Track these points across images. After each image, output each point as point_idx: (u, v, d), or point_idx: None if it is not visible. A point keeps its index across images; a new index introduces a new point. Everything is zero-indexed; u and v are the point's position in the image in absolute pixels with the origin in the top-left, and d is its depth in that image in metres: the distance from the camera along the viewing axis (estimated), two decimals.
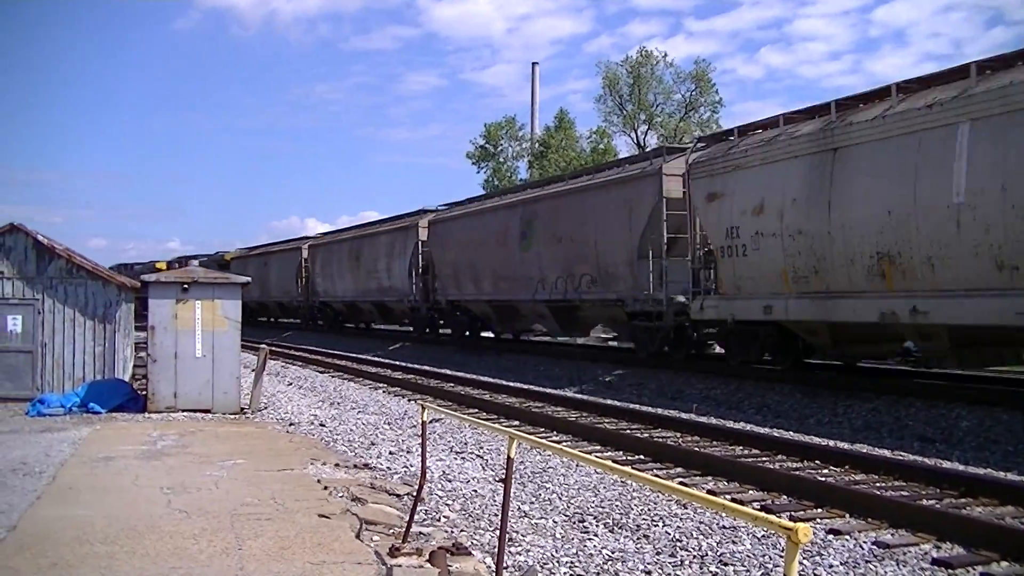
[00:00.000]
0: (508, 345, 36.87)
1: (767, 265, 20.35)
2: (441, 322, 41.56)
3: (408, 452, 15.07)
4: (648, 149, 43.56)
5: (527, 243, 31.67)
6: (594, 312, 29.73)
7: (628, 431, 16.88)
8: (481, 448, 15.42)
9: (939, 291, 16.40)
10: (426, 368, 29.16)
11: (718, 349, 25.64)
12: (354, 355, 36.68)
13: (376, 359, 35.93)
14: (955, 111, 16.03)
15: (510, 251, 32.85)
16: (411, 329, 45.16)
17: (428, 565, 8.28)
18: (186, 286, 19.52)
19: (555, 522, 10.51)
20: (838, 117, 19.00)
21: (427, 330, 42.53)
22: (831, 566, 8.61)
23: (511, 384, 24.53)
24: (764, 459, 14.00)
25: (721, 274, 22.11)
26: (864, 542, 9.34)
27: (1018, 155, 14.90)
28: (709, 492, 11.49)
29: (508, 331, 38.53)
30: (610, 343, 35.76)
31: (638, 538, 9.77)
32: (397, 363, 32.96)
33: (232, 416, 19.21)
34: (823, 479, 12.35)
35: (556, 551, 9.27)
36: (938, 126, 16.32)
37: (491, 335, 39.54)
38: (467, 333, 39.58)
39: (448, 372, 28.69)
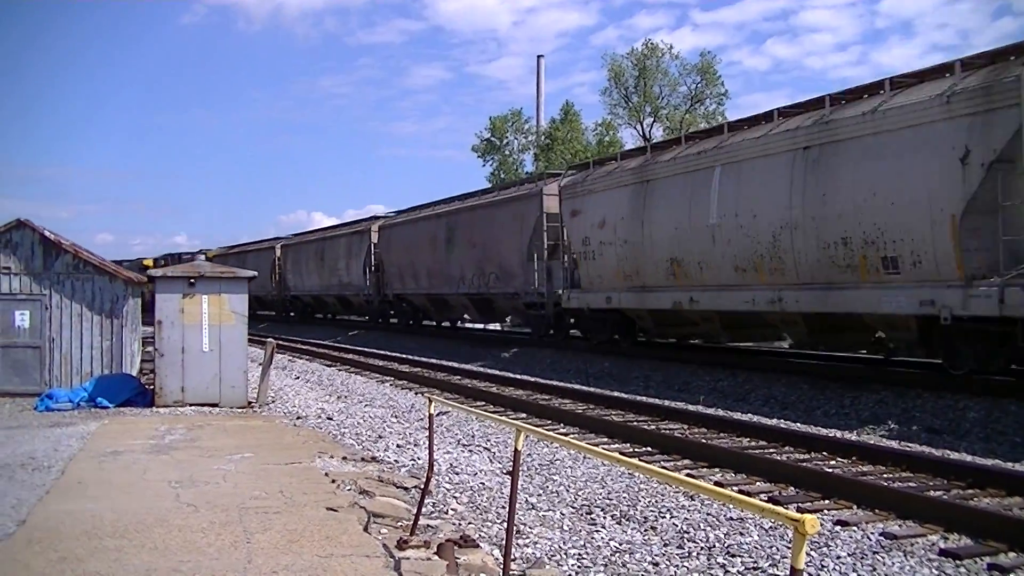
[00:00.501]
0: (443, 330, 45.09)
1: (608, 266, 27.33)
2: (391, 312, 48.75)
3: (415, 445, 15.09)
4: (636, 146, 44.41)
5: (451, 247, 39.08)
6: (502, 303, 36.17)
7: (635, 423, 16.90)
8: (488, 441, 15.44)
9: (706, 286, 23.01)
10: (390, 353, 32.72)
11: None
12: (321, 341, 42.15)
13: (338, 344, 41.91)
14: (712, 158, 22.71)
15: (439, 254, 40.19)
16: (367, 318, 53.27)
17: (436, 557, 8.29)
18: (193, 281, 19.55)
19: (562, 514, 10.52)
20: (652, 156, 26.29)
21: (380, 319, 50.31)
22: (838, 557, 8.61)
23: (518, 376, 24.54)
24: (771, 451, 14.01)
25: (580, 273, 29.13)
26: (871, 533, 9.35)
27: (743, 191, 21.46)
28: (716, 484, 11.48)
29: (442, 319, 45.85)
30: (515, 328, 42.92)
31: (645, 530, 9.78)
32: (355, 347, 39.37)
33: (239, 410, 19.25)
34: (830, 470, 12.35)
35: (564, 543, 9.28)
36: (702, 168, 23.04)
37: (431, 322, 46.93)
38: (411, 321, 47.05)
39: (455, 365, 28.72)
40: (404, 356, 32.23)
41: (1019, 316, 15.25)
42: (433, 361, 24.03)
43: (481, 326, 45.97)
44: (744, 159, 21.57)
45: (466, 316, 42.53)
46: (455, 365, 22.22)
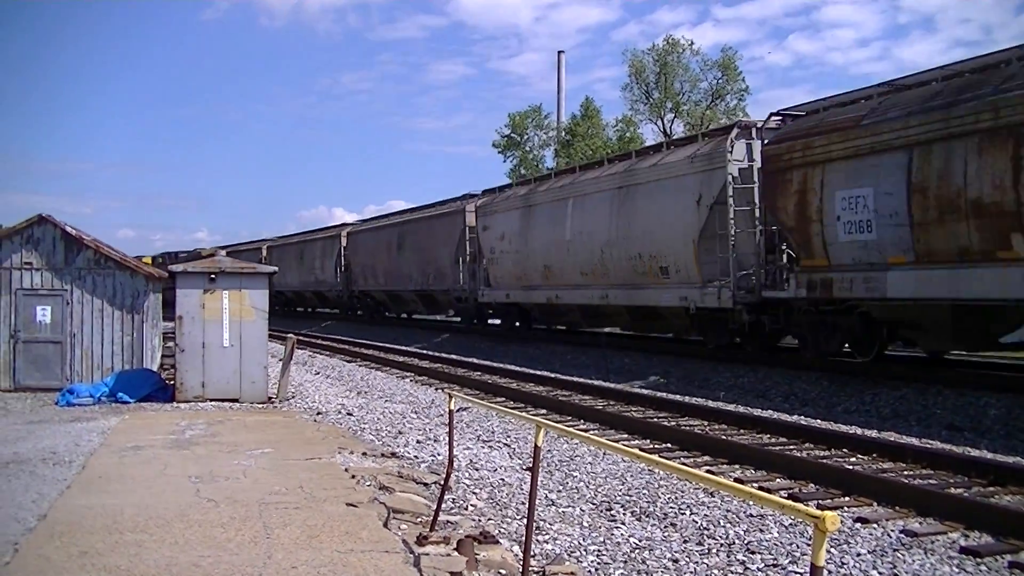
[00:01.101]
0: (400, 320, 53.16)
1: (507, 270, 35.47)
2: (358, 305, 56.51)
3: (435, 441, 15.09)
4: (676, 136, 45.22)
5: (402, 252, 46.47)
6: (440, 298, 43.54)
7: (655, 419, 16.90)
8: (508, 436, 15.44)
9: (565, 286, 31.04)
10: (371, 342, 35.59)
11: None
12: (302, 332, 42.57)
13: (312, 333, 45.73)
14: (568, 192, 31.08)
15: (393, 256, 47.69)
16: (338, 311, 60.52)
17: (456, 553, 8.30)
18: (213, 276, 19.59)
19: (582, 510, 10.52)
20: (535, 187, 35.08)
21: (349, 311, 58.09)
22: (859, 554, 8.59)
23: (538, 372, 24.54)
24: (791, 447, 13.98)
25: (490, 274, 37.13)
26: (892, 530, 9.32)
27: (585, 217, 29.36)
28: (736, 480, 11.47)
29: (399, 311, 53.16)
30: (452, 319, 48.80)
31: (665, 526, 9.77)
32: (329, 336, 44.69)
33: (260, 405, 19.29)
34: (850, 467, 12.33)
35: (583, 539, 9.28)
36: (561, 199, 31.38)
37: (392, 314, 54.45)
38: (374, 313, 54.86)
39: (475, 361, 28.78)
40: (423, 352, 33.08)
41: (728, 307, 22.92)
42: (543, 374, 23.94)
43: (428, 317, 51.86)
44: (586, 194, 29.86)
45: (416, 309, 49.37)
46: (580, 380, 22.10)
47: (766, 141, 22.27)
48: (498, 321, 40.30)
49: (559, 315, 34.41)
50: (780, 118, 22.93)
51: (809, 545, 8.53)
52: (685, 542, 9.17)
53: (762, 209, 22.27)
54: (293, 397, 20.72)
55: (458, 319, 45.27)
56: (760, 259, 22.42)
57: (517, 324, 37.94)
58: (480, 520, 10.06)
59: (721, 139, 23.75)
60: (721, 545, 9.01)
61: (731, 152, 22.98)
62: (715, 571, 8.32)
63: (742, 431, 15.55)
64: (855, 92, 21.06)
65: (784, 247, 22.08)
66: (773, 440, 14.63)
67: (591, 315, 31.37)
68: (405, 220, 48.42)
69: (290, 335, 22.77)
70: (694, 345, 26.53)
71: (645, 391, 20.68)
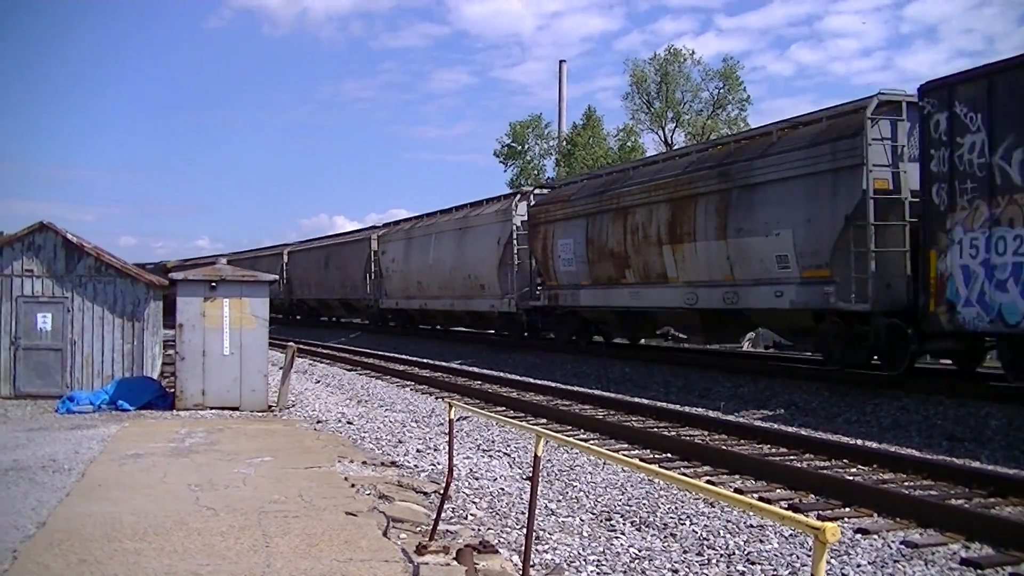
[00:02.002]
0: (329, 323, 62.91)
1: (396, 284, 46.51)
2: (297, 311, 65.45)
3: (435, 450, 15.08)
4: (676, 147, 45.87)
5: (327, 269, 55.95)
6: (355, 304, 53.54)
7: (655, 429, 16.87)
8: (508, 446, 15.42)
9: (431, 297, 41.94)
10: (409, 358, 34.01)
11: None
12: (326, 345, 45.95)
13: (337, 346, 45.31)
14: (433, 230, 42.04)
15: (321, 271, 57.47)
16: (281, 316, 64.98)
17: (455, 563, 8.29)
18: (214, 284, 19.61)
19: (582, 520, 10.51)
20: (414, 223, 45.75)
21: (289, 316, 66.33)
22: (859, 565, 8.58)
23: (539, 382, 24.52)
24: (792, 458, 13.96)
25: (387, 287, 47.82)
26: (892, 541, 9.30)
27: (440, 248, 40.43)
28: (736, 491, 11.47)
29: (329, 316, 63.14)
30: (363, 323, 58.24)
31: (665, 536, 9.76)
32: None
33: (260, 414, 19.28)
34: (851, 478, 12.31)
35: (583, 549, 9.26)
36: (428, 235, 42.31)
37: (325, 318, 64.06)
38: (310, 317, 64.70)
39: (475, 370, 28.76)
40: (423, 361, 32.90)
41: (514, 311, 34.82)
42: (544, 383, 24.00)
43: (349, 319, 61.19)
44: (442, 231, 41.46)
45: (343, 314, 59.89)
46: (579, 389, 22.10)
47: (531, 204, 34.24)
48: (393, 324, 50.50)
49: (429, 318, 46.34)
50: (542, 190, 36.63)
51: (809, 556, 8.52)
52: (685, 552, 9.15)
53: (528, 248, 34.00)
54: (293, 405, 20.71)
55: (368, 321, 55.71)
56: (531, 281, 34.32)
57: (407, 325, 48.89)
58: (480, 529, 10.05)
59: (510, 201, 36.21)
60: (721, 556, 9.00)
61: (515, 210, 35.11)
62: None
63: (742, 441, 15.53)
64: (584, 176, 35.74)
65: (539, 273, 33.57)
66: (773, 450, 14.61)
67: (447, 317, 43.83)
68: (329, 244, 59.30)
69: (290, 343, 22.76)
70: (694, 354, 26.79)
71: (645, 401, 20.65)
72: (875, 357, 20.11)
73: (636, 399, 20.91)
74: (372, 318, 52.82)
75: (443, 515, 9.81)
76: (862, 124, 18.94)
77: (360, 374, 29.50)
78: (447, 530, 9.73)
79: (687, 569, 8.61)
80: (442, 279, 40.54)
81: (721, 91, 70.68)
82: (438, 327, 47.13)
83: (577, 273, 29.67)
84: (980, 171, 16.47)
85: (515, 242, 34.39)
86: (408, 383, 26.22)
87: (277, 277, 24.84)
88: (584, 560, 8.91)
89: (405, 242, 45.36)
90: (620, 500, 11.42)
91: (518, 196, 35.71)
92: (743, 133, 30.22)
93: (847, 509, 10.70)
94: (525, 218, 34.00)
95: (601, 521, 10.49)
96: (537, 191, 35.77)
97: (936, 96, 17.51)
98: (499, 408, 20.01)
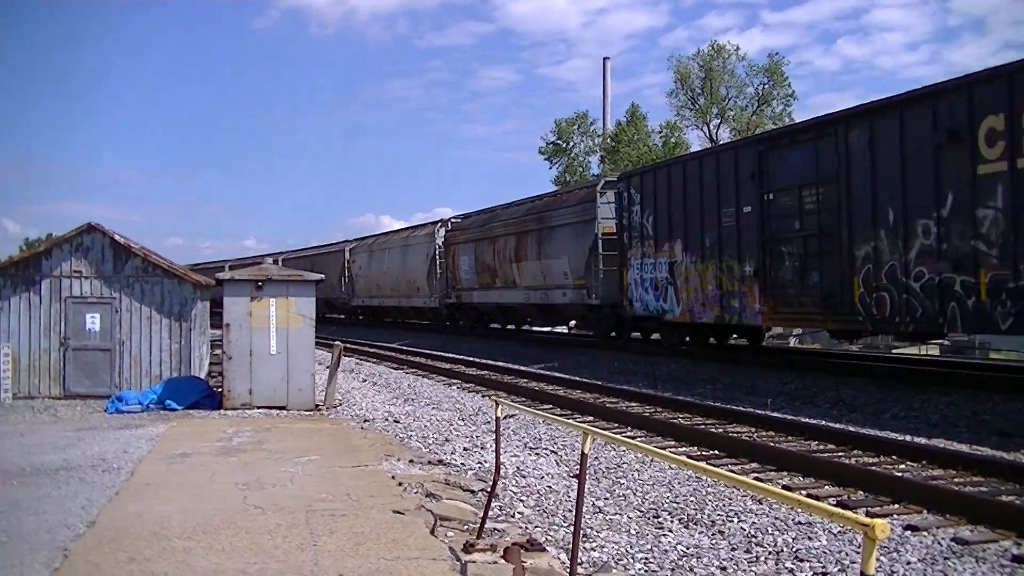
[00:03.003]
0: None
1: (363, 286, 59.07)
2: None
3: (482, 448, 15.08)
4: (722, 142, 46.89)
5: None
6: (333, 302, 62.73)
7: (702, 426, 16.79)
8: (555, 444, 15.39)
9: (386, 296, 55.54)
10: (457, 356, 33.39)
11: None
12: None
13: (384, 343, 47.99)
14: (386, 245, 56.21)
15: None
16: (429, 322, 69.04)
17: (502, 561, 8.28)
18: (260, 284, 19.70)
19: (629, 518, 10.47)
20: (376, 239, 60.71)
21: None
22: (908, 562, 8.50)
23: (585, 380, 24.47)
24: (840, 454, 13.84)
25: (356, 288, 59.91)
26: (942, 538, 9.21)
27: (391, 260, 53.90)
28: (784, 487, 11.38)
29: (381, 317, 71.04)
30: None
31: (713, 534, 9.71)
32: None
33: (307, 413, 19.35)
34: (900, 474, 12.18)
35: (631, 547, 9.23)
36: (384, 248, 55.94)
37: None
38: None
39: (523, 368, 28.72)
40: (471, 359, 32.63)
41: (436, 306, 47.90)
42: (591, 381, 23.92)
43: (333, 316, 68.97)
44: (390, 248, 54.35)
45: (326, 311, 62.65)
46: (627, 388, 22.15)
47: (448, 231, 47.31)
48: (361, 317, 63.56)
49: (385, 313, 59.87)
50: (456, 220, 48.08)
51: (858, 553, 8.46)
52: (733, 550, 9.10)
53: (445, 262, 46.73)
54: (340, 404, 20.75)
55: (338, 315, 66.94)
56: (448, 283, 46.50)
57: (371, 318, 62.25)
58: (527, 527, 10.03)
59: (434, 228, 48.56)
60: (769, 553, 8.94)
61: (437, 235, 47.56)
62: None
63: (790, 438, 15.41)
64: (475, 212, 48.16)
65: (452, 280, 46.01)
66: (821, 447, 14.49)
67: (396, 313, 58.29)
68: (313, 255, 69.06)
69: (337, 342, 22.83)
70: (739, 351, 26.41)
71: (692, 398, 20.55)
72: (610, 332, 33.35)
73: (682, 397, 20.79)
74: (345, 313, 65.43)
75: (490, 513, 9.80)
76: (595, 194, 32.26)
77: (407, 373, 29.53)
78: (494, 528, 9.72)
79: (735, 566, 8.57)
80: (392, 283, 53.74)
81: (766, 87, 70.32)
82: (389, 319, 61.28)
83: (471, 280, 43.82)
84: (637, 226, 29.32)
85: (437, 257, 47.52)
86: (455, 381, 26.21)
87: (323, 277, 23.78)
88: (632, 558, 8.88)
89: (369, 254, 58.77)
90: (667, 497, 11.38)
91: (439, 224, 48.69)
92: (549, 193, 43.13)
93: (896, 506, 10.60)
94: (443, 240, 47.54)
95: (648, 519, 10.46)
96: (452, 221, 48.43)
97: (623, 182, 30.74)
98: (546, 406, 19.96)
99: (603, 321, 32.97)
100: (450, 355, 33.95)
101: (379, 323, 61.34)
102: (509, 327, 45.16)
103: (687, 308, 26.62)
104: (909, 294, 18.81)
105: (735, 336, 29.46)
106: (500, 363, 30.14)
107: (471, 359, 31.98)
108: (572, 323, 42.41)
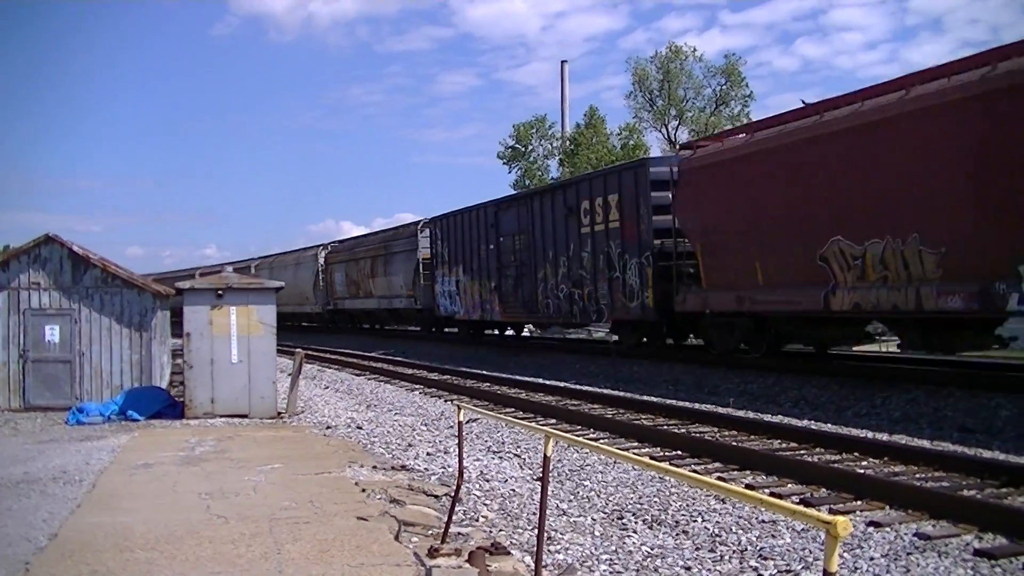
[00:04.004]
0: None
1: (334, 290, 56.74)
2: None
3: (445, 453, 15.08)
4: (681, 142, 48.23)
5: (282, 279, 64.90)
6: (299, 310, 63.40)
7: (665, 427, 16.85)
8: (518, 447, 15.42)
9: (361, 298, 52.87)
10: (418, 362, 33.53)
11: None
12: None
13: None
14: (364, 254, 52.85)
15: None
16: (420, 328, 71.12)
17: (467, 565, 8.28)
18: (220, 292, 19.63)
19: (594, 519, 10.50)
20: (280, 257, 69.09)
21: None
22: (872, 558, 8.55)
23: (548, 383, 24.51)
24: (802, 452, 13.91)
25: (334, 293, 57.64)
26: (905, 534, 9.28)
27: (363, 268, 52.45)
28: (747, 487, 11.44)
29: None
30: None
31: (677, 534, 9.74)
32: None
33: (269, 420, 19.30)
34: (862, 471, 12.26)
35: (595, 548, 9.25)
36: (285, 265, 64.80)
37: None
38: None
39: (484, 372, 28.75)
40: (432, 365, 32.80)
41: (321, 311, 60.36)
42: (553, 383, 24.12)
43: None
44: (360, 258, 53.03)
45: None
46: (590, 389, 22.26)
47: (328, 252, 58.47)
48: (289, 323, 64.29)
49: (284, 319, 54.22)
50: (334, 243, 58.92)
51: (822, 550, 8.51)
52: (697, 549, 9.14)
53: (325, 277, 58.75)
54: (302, 412, 20.72)
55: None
56: (327, 294, 58.00)
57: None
58: (491, 531, 10.04)
59: (316, 250, 60.72)
60: (733, 552, 8.98)
61: (320, 255, 59.35)
62: None
63: (752, 437, 15.48)
64: (348, 239, 60.15)
65: (332, 291, 57.57)
66: (784, 445, 14.56)
67: (292, 318, 62.55)
68: (272, 261, 70.65)
69: (298, 349, 22.78)
70: (701, 352, 26.47)
71: (655, 399, 20.61)
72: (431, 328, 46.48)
73: (645, 397, 20.87)
74: (319, 320, 66.02)
75: (454, 518, 9.80)
76: (416, 231, 45.37)
77: (369, 379, 29.51)
78: (459, 532, 9.72)
79: (700, 566, 8.60)
80: (287, 294, 50.32)
81: (723, 88, 70.68)
82: (288, 323, 61.97)
83: (343, 291, 55.43)
84: (440, 255, 41.37)
85: (320, 273, 58.79)
86: (417, 386, 26.21)
87: (283, 285, 24.70)
88: (596, 559, 8.90)
89: (269, 270, 64.48)
90: (631, 499, 11.42)
91: (321, 248, 60.32)
92: (392, 227, 53.76)
93: (859, 502, 10.67)
94: (324, 260, 58.79)
95: (613, 520, 10.48)
96: (331, 245, 60.14)
97: (432, 224, 42.65)
98: (508, 410, 20.00)
99: (425, 320, 46.83)
100: (337, 349, 43.89)
101: (280, 326, 60.18)
102: (376, 326, 57.96)
103: (467, 310, 39.11)
104: (560, 300, 31.01)
105: (492, 330, 42.58)
106: (358, 351, 39.32)
107: (348, 350, 42.05)
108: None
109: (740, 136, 23.89)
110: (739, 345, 24.31)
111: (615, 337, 31.67)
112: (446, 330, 45.59)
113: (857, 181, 18.55)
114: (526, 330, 44.57)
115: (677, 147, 34.06)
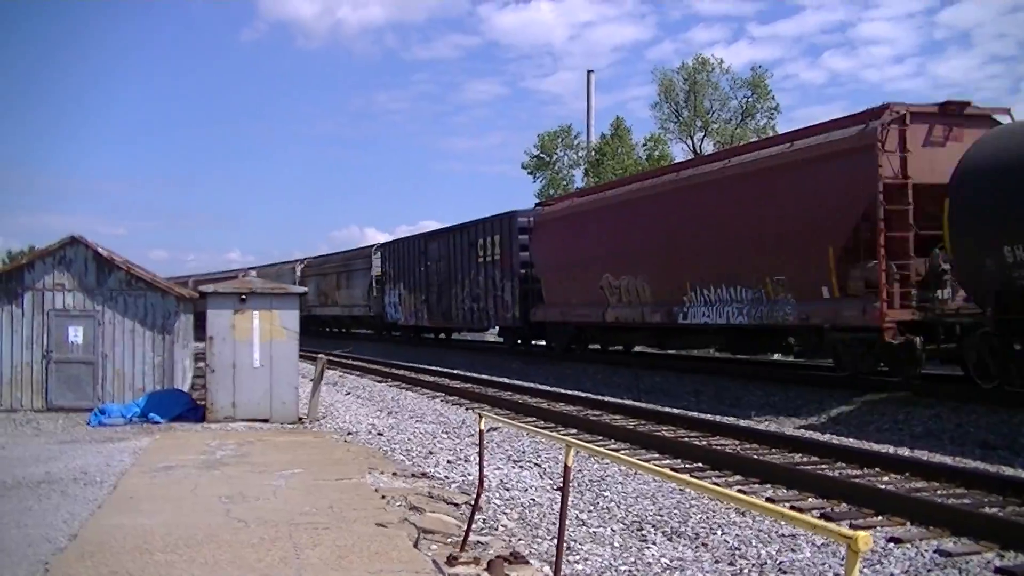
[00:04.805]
0: None
1: (314, 297, 61.21)
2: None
3: (466, 461, 15.07)
4: (705, 153, 48.67)
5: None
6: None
7: (686, 438, 16.80)
8: (539, 456, 15.39)
9: (338, 307, 61.78)
10: (441, 369, 34.31)
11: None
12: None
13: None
14: (331, 269, 63.67)
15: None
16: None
17: (486, 574, 8.29)
18: (244, 297, 19.67)
19: (613, 530, 10.47)
20: (321, 262, 68.12)
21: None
22: (892, 574, 8.51)
23: (569, 392, 24.48)
24: (823, 466, 13.85)
25: (308, 300, 57.09)
26: (925, 550, 9.22)
27: (329, 282, 63.16)
28: (768, 500, 11.40)
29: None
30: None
31: (697, 546, 9.71)
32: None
33: (290, 426, 19.32)
34: (883, 486, 12.20)
35: (614, 559, 9.23)
36: (330, 272, 63.73)
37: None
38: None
39: (505, 380, 28.74)
40: (455, 372, 32.94)
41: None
42: (575, 393, 24.40)
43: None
44: (327, 272, 62.89)
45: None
46: (611, 400, 22.36)
47: (304, 266, 66.93)
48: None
49: (334, 324, 67.04)
50: (308, 259, 68.82)
51: (842, 565, 8.46)
52: (716, 562, 9.11)
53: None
54: (323, 417, 20.73)
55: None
56: (302, 303, 42.41)
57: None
58: (510, 540, 10.03)
59: (294, 264, 69.06)
60: (753, 565, 8.95)
61: (296, 269, 66.48)
62: None
63: (774, 450, 15.44)
64: (315, 256, 69.67)
65: (305, 300, 47.57)
66: (805, 459, 14.51)
67: (338, 321, 65.10)
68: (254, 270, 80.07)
69: (320, 355, 22.80)
70: (724, 363, 26.46)
71: (676, 410, 20.57)
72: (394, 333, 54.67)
73: (667, 408, 20.82)
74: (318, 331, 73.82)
75: (474, 526, 9.80)
76: (371, 253, 53.74)
77: (391, 385, 29.54)
78: (478, 541, 9.72)
79: None
80: (336, 297, 62.06)
81: (749, 100, 70.52)
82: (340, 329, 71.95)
83: (315, 300, 61.50)
84: (388, 273, 51.30)
85: (297, 283, 59.90)
86: (439, 394, 26.22)
87: (307, 290, 38.54)
88: (615, 570, 8.88)
89: (315, 278, 65.74)
90: (651, 510, 11.39)
91: (298, 262, 68.31)
92: (353, 248, 62.97)
93: (880, 518, 10.61)
94: (300, 273, 65.85)
95: (632, 531, 10.46)
96: (306, 261, 68.04)
97: (383, 248, 53.00)
98: (529, 419, 19.96)
99: (376, 325, 55.88)
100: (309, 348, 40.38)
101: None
102: (340, 329, 67.85)
103: (406, 317, 49.15)
104: (465, 311, 41.11)
105: (429, 333, 51.88)
106: (324, 351, 35.06)
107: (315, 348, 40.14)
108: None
109: (568, 201, 36.55)
110: (569, 345, 35.06)
111: (502, 339, 44.47)
112: (394, 333, 54.92)
113: (616, 237, 29.31)
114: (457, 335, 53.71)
115: (535, 204, 41.08)
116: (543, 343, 38.36)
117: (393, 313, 51.15)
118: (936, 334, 19.14)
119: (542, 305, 34.71)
